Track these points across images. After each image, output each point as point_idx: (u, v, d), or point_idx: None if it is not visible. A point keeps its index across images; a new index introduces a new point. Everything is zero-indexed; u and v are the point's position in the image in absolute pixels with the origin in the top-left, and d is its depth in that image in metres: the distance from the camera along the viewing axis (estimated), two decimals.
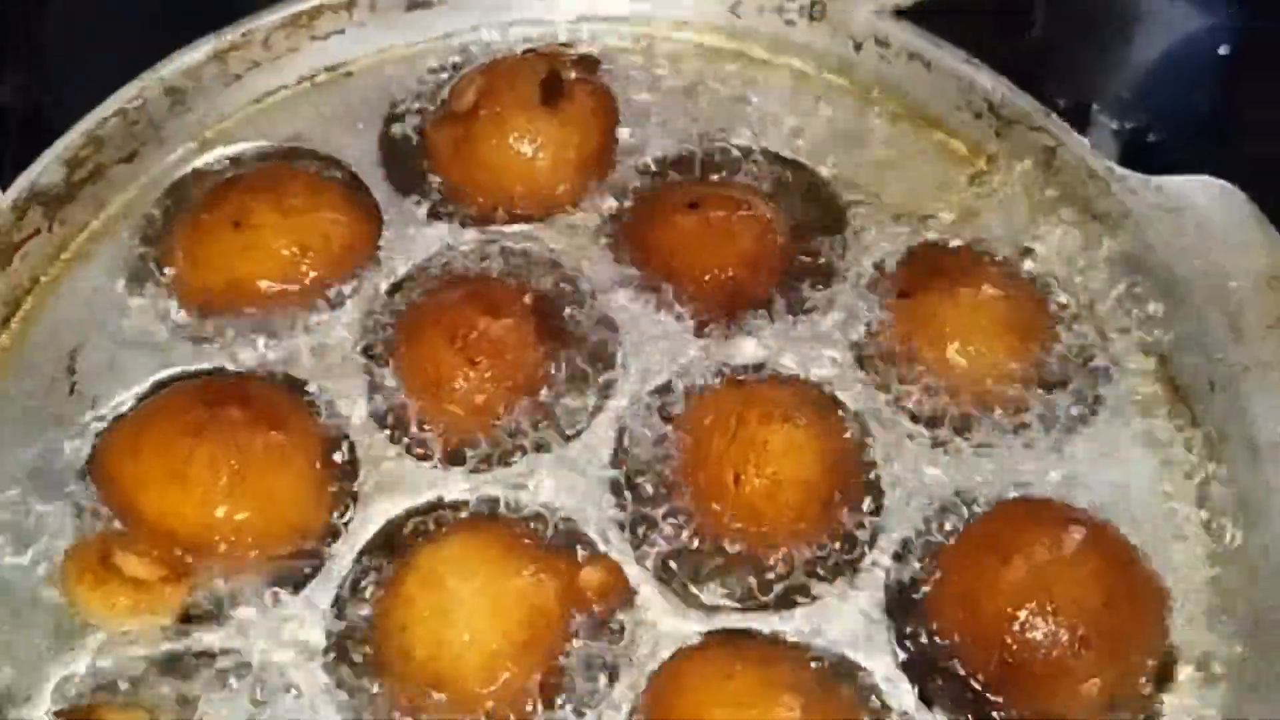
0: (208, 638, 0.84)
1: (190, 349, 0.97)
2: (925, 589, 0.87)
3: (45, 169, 1.00)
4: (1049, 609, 0.81)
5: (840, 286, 1.00)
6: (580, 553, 0.88)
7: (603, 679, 0.83)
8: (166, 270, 1.00)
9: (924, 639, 0.85)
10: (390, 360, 0.96)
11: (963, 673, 0.84)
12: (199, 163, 1.08)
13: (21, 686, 0.83)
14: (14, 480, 0.91)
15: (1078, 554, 0.83)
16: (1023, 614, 0.81)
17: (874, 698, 0.83)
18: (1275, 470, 0.85)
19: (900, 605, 0.86)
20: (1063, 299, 0.99)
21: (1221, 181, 0.97)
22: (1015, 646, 0.81)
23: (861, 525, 0.90)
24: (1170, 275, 0.94)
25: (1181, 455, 0.92)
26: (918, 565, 0.88)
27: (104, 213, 1.04)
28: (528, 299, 0.96)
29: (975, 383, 0.94)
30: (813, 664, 0.84)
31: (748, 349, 0.97)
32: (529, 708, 0.81)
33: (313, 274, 0.99)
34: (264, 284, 0.98)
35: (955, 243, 1.02)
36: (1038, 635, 0.81)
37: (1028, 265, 1.00)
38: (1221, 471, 0.90)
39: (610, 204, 1.04)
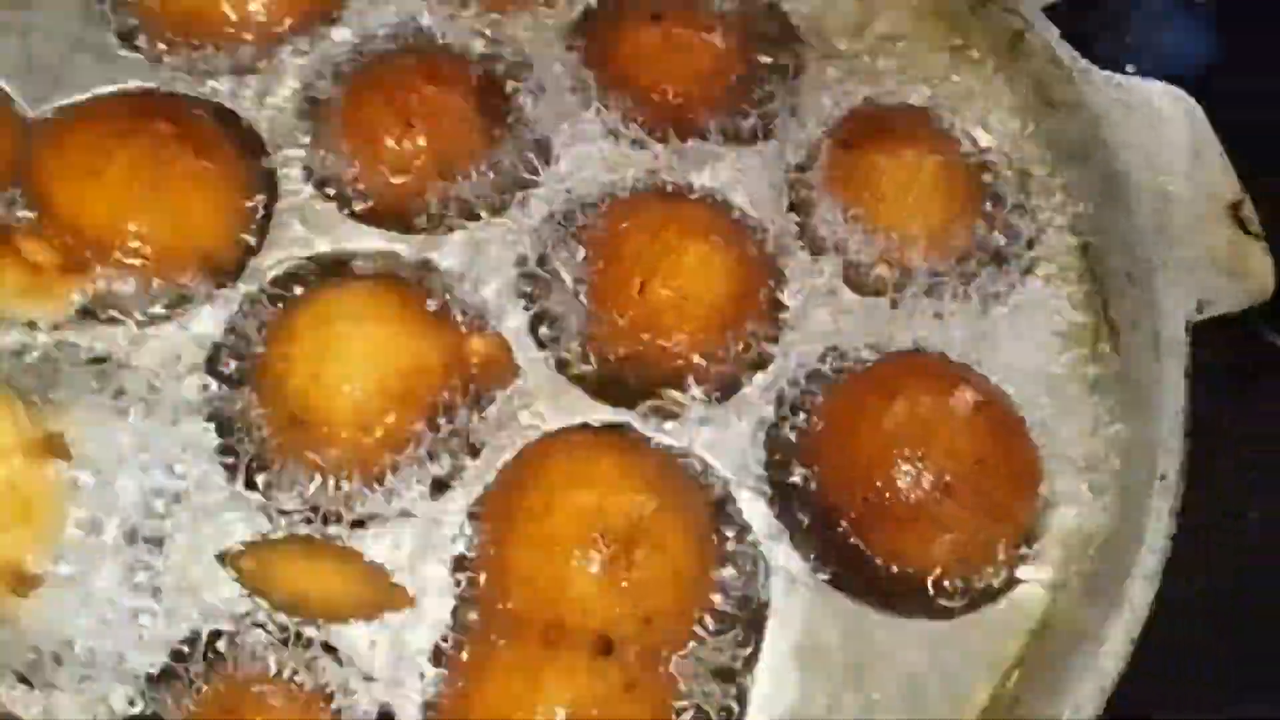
0: (84, 337, 0.86)
1: (140, 69, 0.97)
2: (805, 422, 0.87)
3: None
4: (921, 453, 0.82)
5: (786, 126, 0.99)
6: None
7: (465, 453, 0.84)
8: None
9: (794, 470, 0.86)
10: (332, 113, 0.95)
11: (825, 508, 0.85)
12: None
13: None
14: None
15: (963, 410, 0.83)
16: (895, 454, 0.82)
17: (731, 516, 0.84)
18: (1171, 365, 0.85)
19: (778, 436, 0.87)
20: (1001, 176, 0.98)
21: (1182, 92, 0.96)
22: (881, 485, 0.82)
23: (757, 353, 0.90)
24: (1109, 169, 0.93)
25: (1087, 339, 0.92)
26: (802, 399, 0.88)
27: None
28: (476, 76, 0.96)
29: (900, 242, 0.93)
30: (680, 468, 0.84)
31: (681, 169, 0.96)
32: (384, 461, 0.82)
33: (275, 17, 0.98)
34: (227, 17, 0.98)
35: (906, 103, 1.00)
36: (905, 477, 0.81)
37: (974, 138, 0.99)
38: (1120, 361, 0.90)
39: (582, 4, 1.03)
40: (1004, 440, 0.85)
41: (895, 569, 0.83)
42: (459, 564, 0.80)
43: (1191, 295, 0.88)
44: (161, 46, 0.98)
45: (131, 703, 0.75)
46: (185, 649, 0.76)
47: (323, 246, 0.91)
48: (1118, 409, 0.89)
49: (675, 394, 0.88)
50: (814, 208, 0.96)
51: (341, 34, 1.00)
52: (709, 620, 0.79)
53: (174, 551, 0.80)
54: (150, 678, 0.76)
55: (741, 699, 0.78)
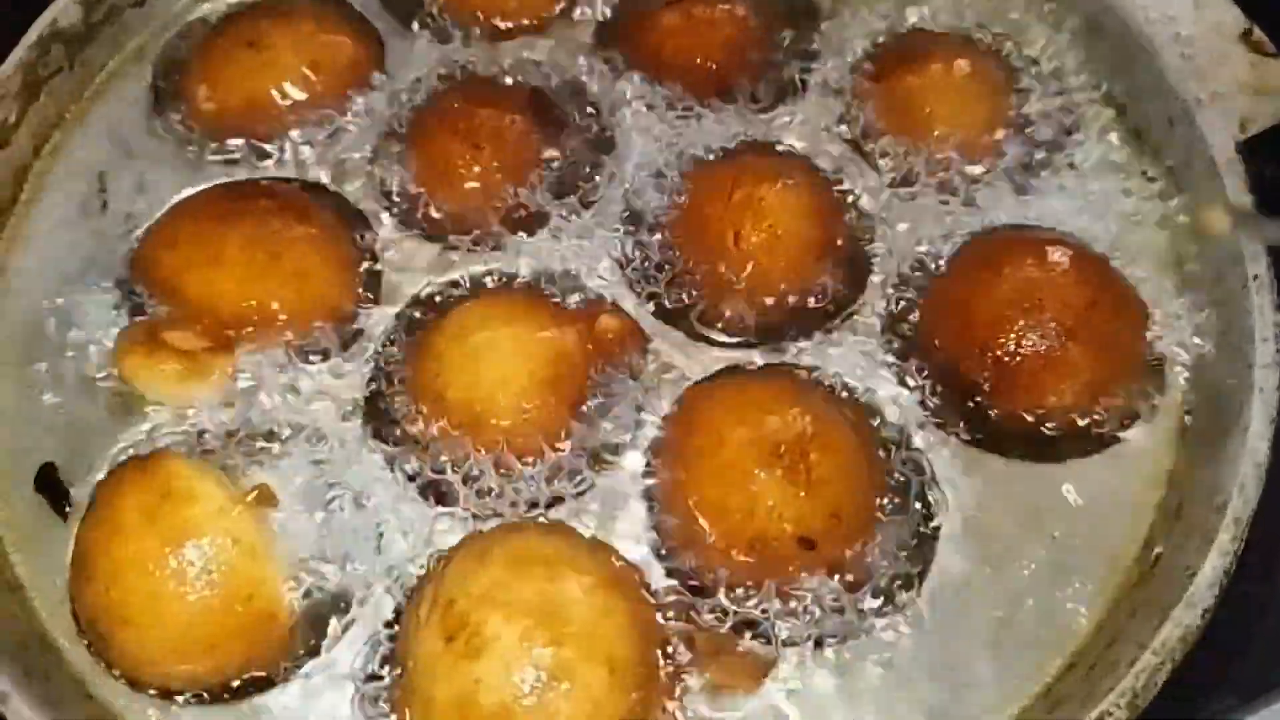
0: (251, 406, 0.91)
1: (212, 167, 1.03)
2: (918, 316, 0.94)
3: (64, 9, 1.05)
4: (1039, 309, 0.88)
5: (820, 71, 1.06)
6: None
7: (627, 411, 0.89)
8: (186, 97, 1.06)
9: (920, 361, 0.92)
10: (400, 158, 1.01)
11: (959, 385, 0.90)
12: (206, 8, 1.13)
13: (82, 462, 0.89)
14: (59, 285, 0.97)
15: (1061, 265, 0.90)
16: (1015, 315, 0.88)
17: (877, 409, 0.90)
18: (1232, 182, 0.92)
19: (896, 335, 0.93)
20: (1027, 70, 1.05)
21: None
22: (1008, 346, 0.88)
23: (855, 273, 0.96)
24: (1125, 29, 1.01)
25: (1147, 188, 0.99)
26: (912, 297, 0.95)
27: (120, 54, 1.11)
28: (522, 92, 1.03)
29: (953, 146, 1.00)
30: (818, 382, 0.90)
31: (733, 131, 1.03)
32: (560, 440, 0.87)
33: (323, 90, 1.04)
34: (278, 100, 1.04)
35: (918, 27, 1.09)
36: (1030, 334, 0.88)
37: (988, 42, 1.07)
38: (1183, 196, 0.97)
39: (600, 10, 1.10)
40: (1105, 283, 0.91)
41: (1037, 420, 0.89)
42: (651, 513, 0.86)
43: (1232, 119, 0.96)
44: (225, 143, 1.04)
45: None
46: None
47: (435, 276, 0.97)
48: (1194, 237, 0.95)
49: (792, 325, 0.94)
50: (866, 138, 1.02)
51: (385, 90, 1.07)
52: (886, 503, 0.85)
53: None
54: None
55: (926, 567, 0.84)
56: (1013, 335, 0.88)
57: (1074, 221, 0.97)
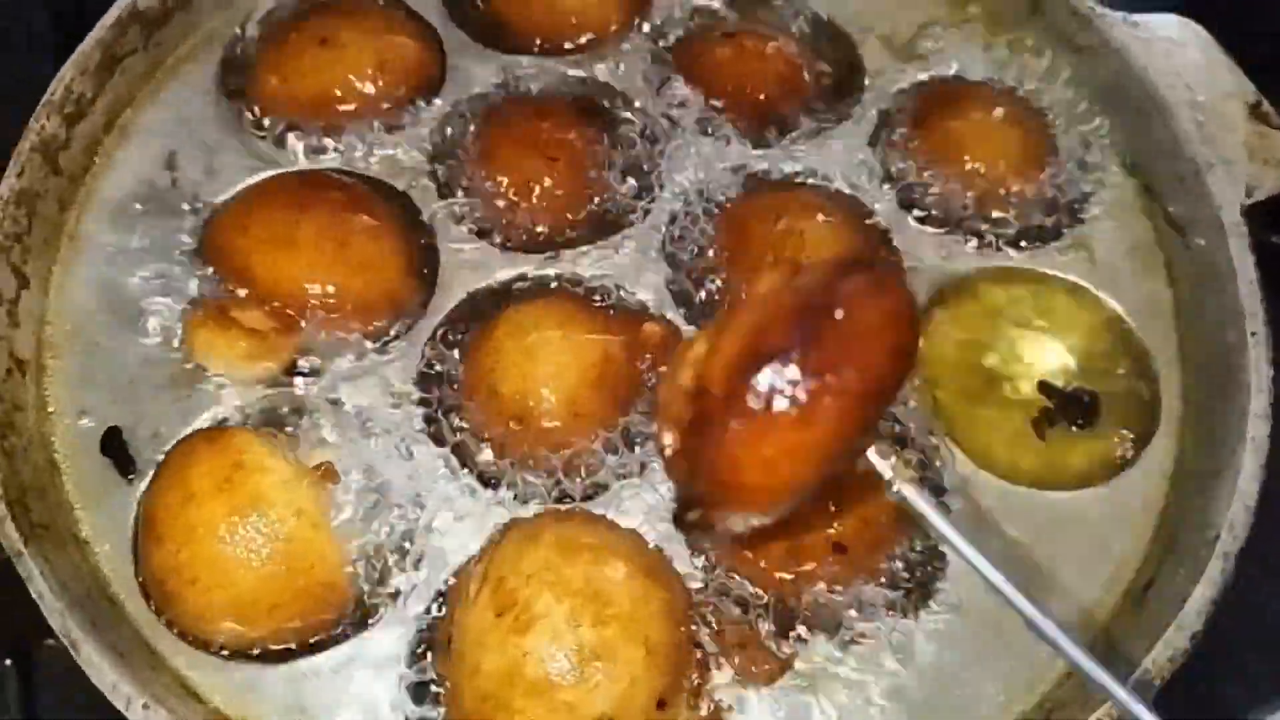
0: (313, 387, 0.96)
1: (279, 155, 1.08)
2: None
3: None
4: None
5: (859, 112, 1.13)
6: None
7: None
8: (256, 86, 1.11)
9: None
10: (466, 163, 1.07)
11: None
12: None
13: (148, 429, 0.94)
14: (128, 258, 1.02)
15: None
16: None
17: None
18: (1236, 243, 0.99)
19: None
20: (1054, 124, 1.13)
21: (1188, 19, 1.12)
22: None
23: None
24: (1143, 93, 1.08)
25: (1160, 239, 1.08)
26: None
27: (191, 39, 1.15)
28: (581, 109, 1.09)
29: (984, 193, 1.08)
30: None
31: (776, 159, 1.10)
32: (605, 437, 0.93)
33: (388, 90, 1.10)
34: (346, 97, 1.09)
35: (958, 75, 1.16)
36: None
37: (1021, 96, 1.14)
38: (1188, 252, 1.04)
39: (654, 35, 1.17)
40: None
41: None
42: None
43: (1239, 183, 1.03)
44: (290, 132, 1.09)
45: None
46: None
47: (490, 277, 1.02)
48: (1199, 294, 1.03)
49: None
50: (899, 177, 1.09)
51: (450, 97, 1.12)
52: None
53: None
54: None
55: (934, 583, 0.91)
56: None
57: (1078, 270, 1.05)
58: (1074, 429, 0.98)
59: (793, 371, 0.70)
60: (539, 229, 1.05)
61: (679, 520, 0.83)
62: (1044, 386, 1.00)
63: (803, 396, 0.70)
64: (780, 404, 0.70)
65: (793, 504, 0.76)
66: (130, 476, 0.92)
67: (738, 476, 0.73)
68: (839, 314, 0.71)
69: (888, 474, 0.75)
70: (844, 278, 0.73)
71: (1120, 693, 0.71)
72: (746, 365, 0.71)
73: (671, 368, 0.80)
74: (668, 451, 0.79)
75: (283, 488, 0.85)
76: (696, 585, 0.88)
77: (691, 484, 0.77)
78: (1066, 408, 0.99)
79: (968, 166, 1.08)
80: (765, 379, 0.70)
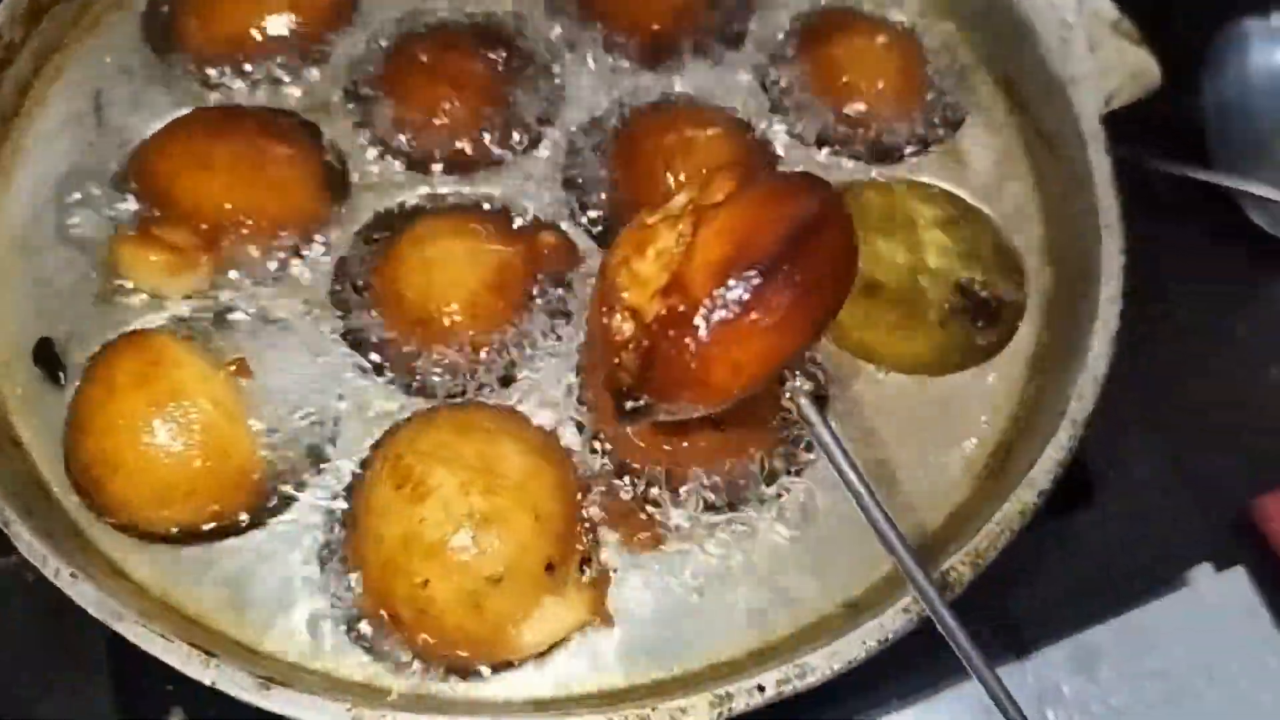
0: (232, 299, 1.03)
1: (199, 92, 1.15)
2: None
3: None
4: None
5: (749, 36, 1.20)
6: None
7: (560, 321, 1.03)
8: (177, 28, 1.17)
9: None
10: (376, 96, 1.14)
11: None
12: None
13: (76, 338, 1.01)
14: (57, 188, 1.08)
15: None
16: None
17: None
18: (1095, 147, 1.07)
19: None
20: (926, 46, 1.20)
21: None
22: None
23: None
24: (1014, 16, 1.16)
25: (1019, 151, 1.16)
26: None
27: None
28: (484, 39, 1.16)
29: (868, 114, 1.15)
30: None
31: (668, 86, 1.17)
32: (501, 335, 1.00)
33: (303, 28, 1.17)
34: (263, 34, 1.16)
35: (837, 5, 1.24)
36: None
37: (895, 21, 1.22)
38: (1055, 160, 1.12)
39: None
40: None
41: None
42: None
43: (1100, 95, 1.11)
44: (210, 71, 1.16)
45: None
46: None
47: (398, 197, 1.09)
48: (1063, 193, 1.11)
49: None
50: (787, 99, 1.17)
51: (360, 31, 1.19)
52: None
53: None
54: None
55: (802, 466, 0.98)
56: None
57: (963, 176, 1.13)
58: (976, 325, 1.06)
59: (779, 282, 0.76)
60: (443, 153, 1.11)
61: (618, 407, 0.84)
62: (960, 289, 1.08)
63: (785, 306, 0.76)
64: (760, 311, 0.76)
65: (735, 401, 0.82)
66: (60, 383, 0.99)
67: (705, 374, 0.78)
68: (823, 231, 0.79)
69: (794, 382, 0.83)
70: (819, 193, 0.81)
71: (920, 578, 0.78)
72: (732, 270, 0.77)
73: (624, 251, 0.85)
74: (619, 336, 0.82)
75: (199, 379, 0.92)
76: (585, 464, 0.95)
77: (645, 373, 0.81)
78: (976, 309, 1.07)
79: (848, 90, 1.15)
80: (750, 285, 0.76)
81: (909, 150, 1.15)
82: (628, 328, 0.83)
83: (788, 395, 0.83)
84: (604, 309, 0.85)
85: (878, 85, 1.16)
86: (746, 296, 0.77)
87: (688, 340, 0.78)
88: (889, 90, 1.16)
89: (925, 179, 1.14)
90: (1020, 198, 1.13)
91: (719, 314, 0.77)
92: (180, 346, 0.94)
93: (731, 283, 0.77)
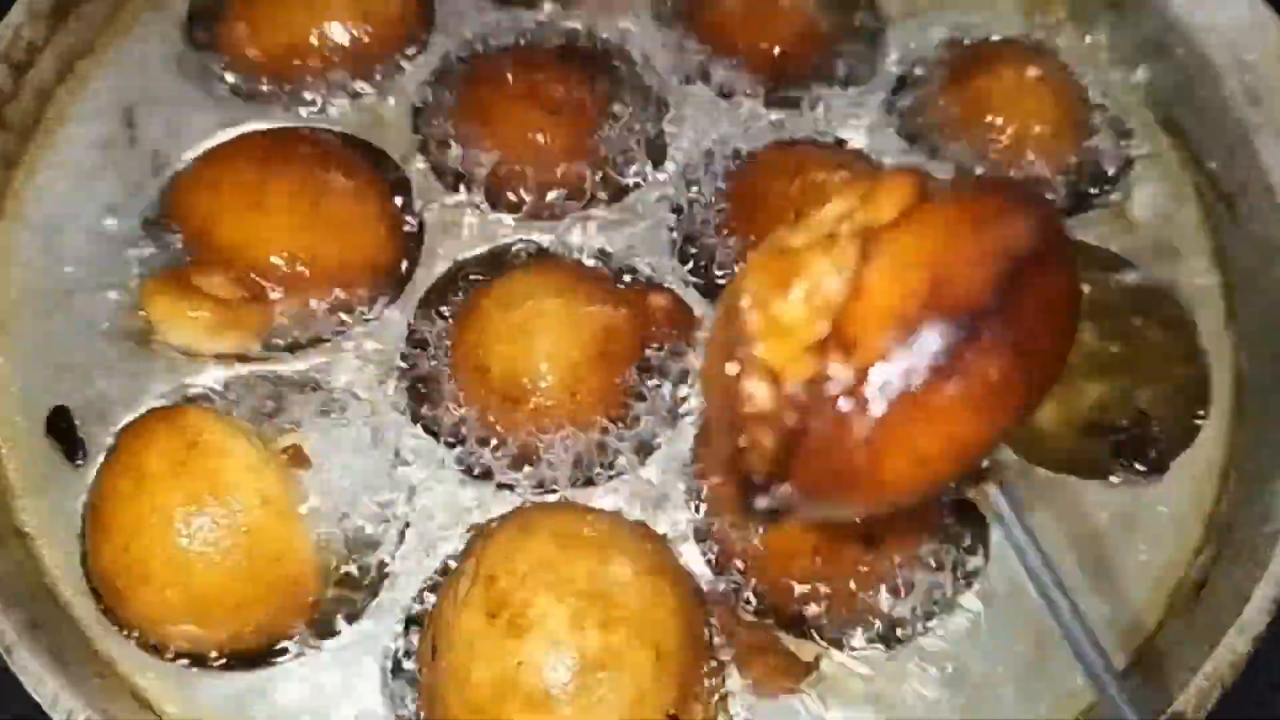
0: (282, 364, 0.87)
1: (248, 108, 0.99)
2: None
3: None
4: None
5: (881, 67, 1.05)
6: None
7: (672, 386, 0.87)
8: (223, 35, 1.01)
9: None
10: (450, 119, 0.98)
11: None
12: None
13: (98, 408, 0.86)
14: (82, 222, 0.93)
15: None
16: None
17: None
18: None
19: None
20: (1087, 83, 1.04)
21: None
22: None
23: None
24: (1190, 53, 1.00)
25: (1202, 206, 1.00)
26: None
27: None
28: (582, 60, 1.00)
29: (1012, 155, 0.99)
30: None
31: (790, 120, 1.01)
32: (607, 417, 0.85)
33: (370, 41, 1.01)
34: (323, 47, 1.00)
35: (989, 36, 1.07)
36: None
37: (1053, 54, 1.05)
38: (1234, 222, 0.97)
39: None
40: None
41: None
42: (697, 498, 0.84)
43: None
44: (261, 85, 1.00)
45: None
46: None
47: (477, 246, 0.94)
48: (1251, 267, 0.95)
49: None
50: (925, 137, 1.01)
51: (437, 45, 1.03)
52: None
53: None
54: None
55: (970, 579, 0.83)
56: None
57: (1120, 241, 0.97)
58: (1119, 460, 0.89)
59: (989, 339, 0.55)
60: (532, 192, 0.96)
61: (744, 504, 0.62)
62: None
63: (996, 374, 0.55)
64: (961, 380, 0.54)
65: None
66: (78, 461, 0.84)
67: (876, 466, 0.57)
68: (1044, 267, 0.56)
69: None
70: (1036, 211, 0.58)
71: None
72: (923, 319, 0.55)
73: (756, 285, 0.61)
74: (750, 407, 0.59)
75: (245, 471, 0.76)
76: (707, 583, 0.80)
77: (787, 460, 0.59)
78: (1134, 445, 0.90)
79: (995, 129, 0.99)
80: (948, 343, 0.54)
81: (1066, 204, 0.99)
82: (763, 395, 0.59)
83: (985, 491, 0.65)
84: (727, 366, 0.61)
85: (1031, 124, 1.00)
86: (943, 360, 0.55)
87: (853, 418, 0.56)
88: (1043, 130, 1.00)
89: (1084, 239, 0.98)
90: (1197, 267, 0.97)
91: (901, 383, 0.55)
92: (223, 426, 0.78)
93: (922, 338, 0.55)
